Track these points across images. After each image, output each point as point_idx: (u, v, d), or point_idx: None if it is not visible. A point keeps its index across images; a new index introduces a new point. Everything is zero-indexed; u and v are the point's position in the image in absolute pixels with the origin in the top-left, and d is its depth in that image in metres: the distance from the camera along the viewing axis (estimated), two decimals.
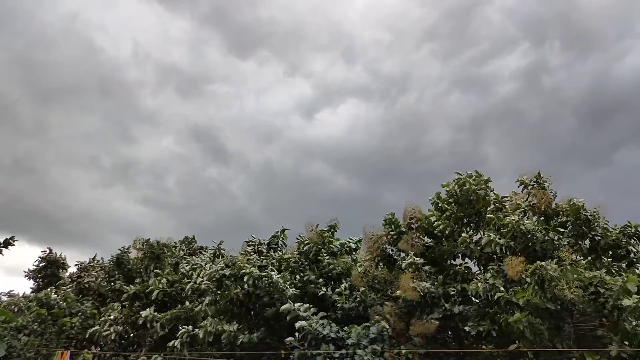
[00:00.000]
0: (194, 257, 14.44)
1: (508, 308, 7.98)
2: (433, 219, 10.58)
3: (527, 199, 10.15)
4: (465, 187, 10.11)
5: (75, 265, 17.76)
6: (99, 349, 13.28)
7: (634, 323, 7.07)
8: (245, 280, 9.96)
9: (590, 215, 9.38)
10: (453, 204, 10.48)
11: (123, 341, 12.76)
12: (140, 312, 11.51)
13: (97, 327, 12.68)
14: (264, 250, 12.82)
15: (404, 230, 10.52)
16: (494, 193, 10.40)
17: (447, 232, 10.42)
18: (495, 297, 8.00)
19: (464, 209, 10.39)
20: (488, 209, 10.06)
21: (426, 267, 9.70)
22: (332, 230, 12.93)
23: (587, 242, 9.46)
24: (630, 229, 9.21)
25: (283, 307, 9.79)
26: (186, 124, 46.30)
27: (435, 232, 10.59)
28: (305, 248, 12.28)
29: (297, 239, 12.91)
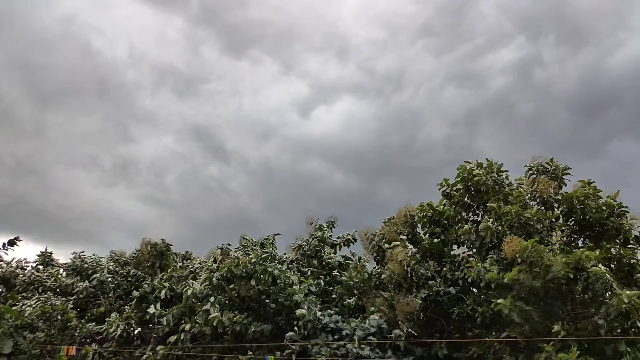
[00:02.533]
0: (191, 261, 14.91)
1: (500, 292, 8.56)
2: (439, 208, 11.10)
3: (531, 186, 10.45)
4: (475, 178, 10.49)
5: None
6: (101, 345, 13.78)
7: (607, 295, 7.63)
8: (262, 276, 10.53)
9: (584, 202, 9.74)
10: (462, 190, 10.89)
11: (128, 337, 13.28)
12: (147, 310, 12.04)
13: (104, 326, 13.22)
14: (258, 250, 13.40)
15: (401, 229, 11.24)
16: (507, 180, 10.67)
17: (452, 217, 10.90)
18: (487, 278, 8.64)
19: (472, 196, 10.84)
20: (494, 198, 10.44)
21: (411, 248, 10.51)
22: (331, 226, 13.97)
23: (585, 230, 9.94)
24: (614, 208, 9.69)
25: (295, 296, 10.31)
26: (185, 123, 47.60)
27: (442, 219, 11.02)
28: (304, 244, 12.84)
29: (296, 239, 13.88)
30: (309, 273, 12.83)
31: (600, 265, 7.74)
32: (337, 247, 13.68)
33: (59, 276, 17.37)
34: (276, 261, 11.39)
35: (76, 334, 14.46)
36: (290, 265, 12.62)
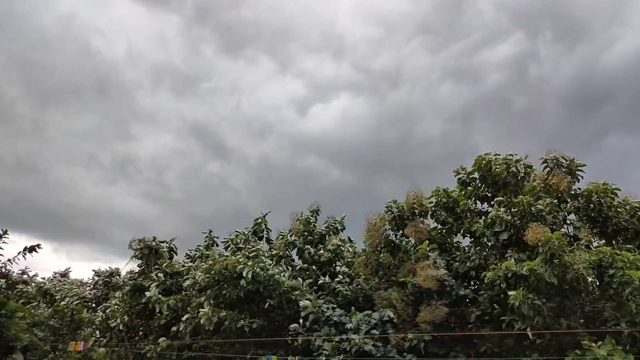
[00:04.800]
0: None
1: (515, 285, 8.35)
2: (454, 195, 11.00)
3: (545, 179, 10.33)
4: (495, 171, 10.45)
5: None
6: (104, 339, 13.92)
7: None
8: (244, 275, 10.32)
9: (602, 199, 9.65)
10: (477, 181, 10.89)
11: (129, 330, 13.35)
12: (145, 293, 12.05)
13: (102, 314, 13.31)
14: (251, 240, 13.18)
15: (407, 215, 10.82)
16: (529, 174, 10.55)
17: (467, 207, 10.84)
18: (504, 267, 8.36)
19: (488, 186, 10.80)
20: (508, 190, 10.45)
21: (436, 255, 10.15)
22: (315, 214, 13.84)
23: (598, 226, 9.77)
24: (637, 210, 9.51)
25: (291, 282, 10.07)
26: (184, 122, 48.56)
27: (456, 207, 10.89)
28: (293, 239, 12.59)
29: (280, 232, 13.34)
30: (297, 268, 12.72)
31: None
32: (326, 236, 13.38)
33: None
34: (263, 258, 11.11)
35: (86, 331, 14.64)
36: (281, 262, 12.40)
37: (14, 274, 18.35)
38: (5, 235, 9.41)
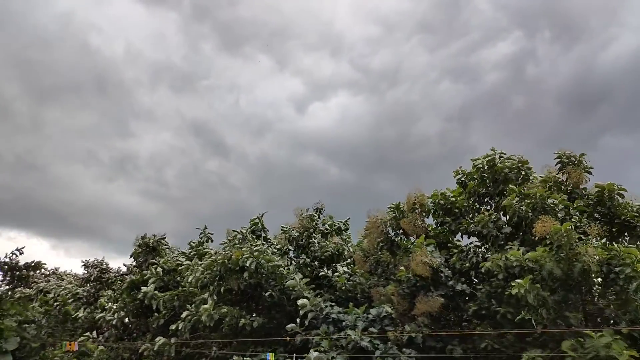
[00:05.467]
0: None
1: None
2: (454, 195, 11.10)
3: (556, 174, 10.53)
4: (497, 167, 10.60)
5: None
6: (101, 336, 13.77)
7: None
8: (248, 265, 10.06)
9: (612, 197, 9.79)
10: (477, 180, 11.00)
11: (127, 328, 13.23)
12: (141, 288, 11.95)
13: (102, 313, 13.19)
14: (250, 238, 13.19)
15: (408, 215, 10.84)
16: (530, 173, 10.72)
17: (465, 207, 10.95)
18: (510, 256, 8.39)
19: (486, 185, 10.90)
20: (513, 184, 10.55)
21: (433, 248, 10.17)
22: (319, 212, 14.03)
23: (605, 223, 9.87)
24: None
25: (289, 282, 10.05)
26: (183, 119, 48.26)
27: (454, 208, 11.01)
28: (296, 234, 12.56)
29: (282, 228, 13.34)
30: (300, 263, 12.79)
31: None
32: (328, 235, 13.45)
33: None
34: (268, 251, 11.09)
35: (77, 325, 14.52)
36: (282, 258, 12.40)
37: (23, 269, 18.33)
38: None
